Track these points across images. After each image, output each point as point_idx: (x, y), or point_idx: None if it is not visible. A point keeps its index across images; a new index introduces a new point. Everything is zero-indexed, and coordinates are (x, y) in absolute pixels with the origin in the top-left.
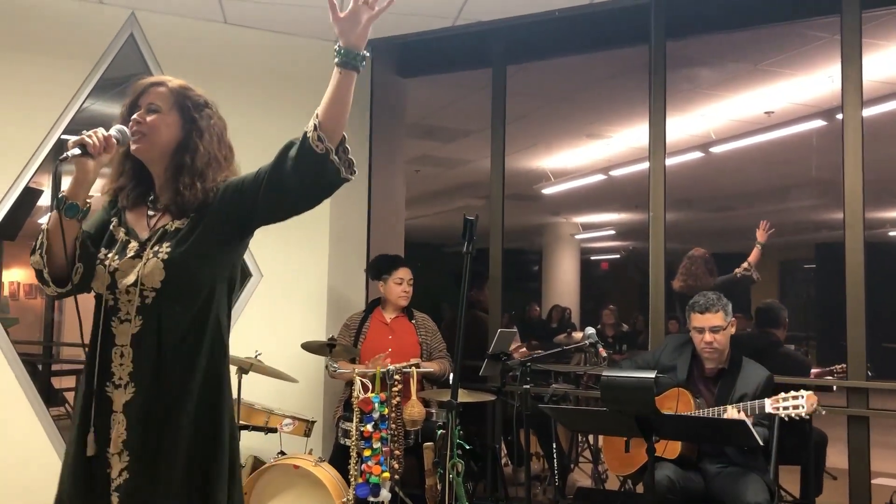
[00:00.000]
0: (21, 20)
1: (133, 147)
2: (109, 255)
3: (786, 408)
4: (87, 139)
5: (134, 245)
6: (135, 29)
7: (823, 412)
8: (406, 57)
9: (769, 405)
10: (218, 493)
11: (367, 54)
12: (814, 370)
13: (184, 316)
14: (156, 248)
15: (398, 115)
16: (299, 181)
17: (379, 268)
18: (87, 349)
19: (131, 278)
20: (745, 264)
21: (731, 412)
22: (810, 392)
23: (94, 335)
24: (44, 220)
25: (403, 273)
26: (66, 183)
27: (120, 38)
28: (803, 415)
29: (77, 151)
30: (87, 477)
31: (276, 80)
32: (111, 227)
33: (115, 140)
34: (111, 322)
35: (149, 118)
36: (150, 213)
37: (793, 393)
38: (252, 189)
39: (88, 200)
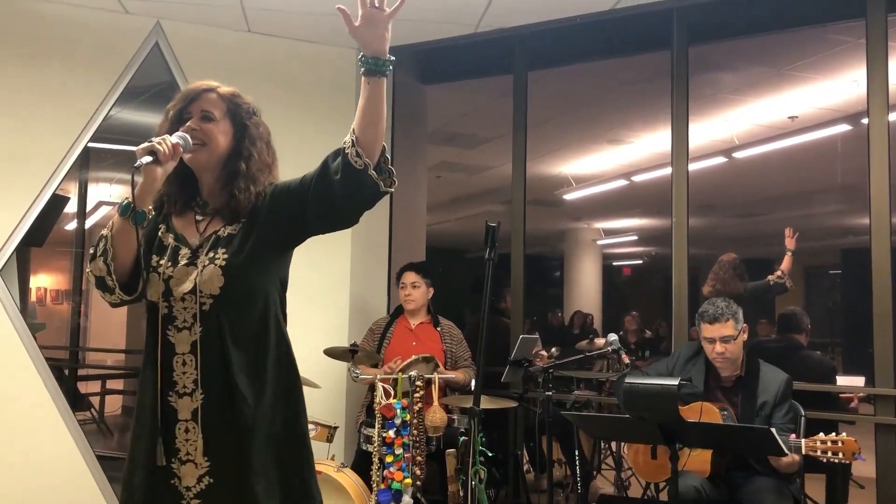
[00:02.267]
0: (48, 29)
1: (189, 156)
2: (162, 263)
3: (824, 451)
4: (158, 147)
5: (186, 252)
6: (160, 38)
7: (864, 459)
8: (428, 64)
9: (805, 446)
10: (313, 486)
11: (393, 58)
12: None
13: (244, 320)
14: (210, 254)
15: (420, 121)
16: (342, 194)
17: (396, 276)
18: (143, 361)
19: (188, 286)
20: (778, 272)
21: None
22: (850, 438)
23: (151, 345)
24: (92, 225)
25: (406, 277)
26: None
27: (145, 47)
28: (842, 461)
29: (149, 159)
30: (157, 488)
31: (299, 87)
32: (159, 232)
33: (181, 148)
34: (167, 331)
35: (205, 126)
36: (199, 218)
37: (832, 436)
38: (299, 196)
39: (151, 208)
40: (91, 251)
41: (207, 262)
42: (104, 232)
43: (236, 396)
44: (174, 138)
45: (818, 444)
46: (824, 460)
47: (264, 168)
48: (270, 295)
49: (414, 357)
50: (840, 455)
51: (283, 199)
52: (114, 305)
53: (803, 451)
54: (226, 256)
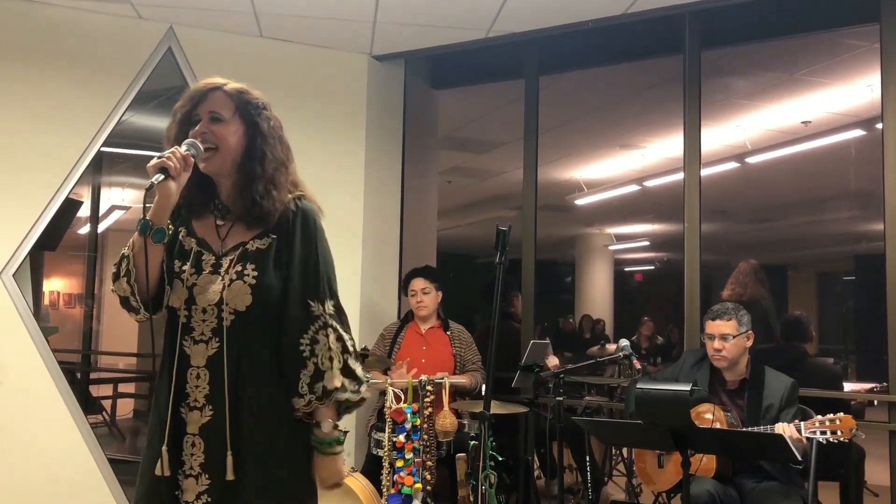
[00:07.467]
0: (61, 35)
1: (203, 164)
2: (186, 269)
3: (823, 432)
4: (168, 163)
5: (209, 258)
6: (172, 43)
7: (863, 435)
8: (439, 69)
9: (804, 429)
10: None
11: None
12: (852, 385)
13: (262, 336)
14: (238, 267)
15: (431, 126)
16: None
17: (403, 284)
18: (159, 367)
19: (213, 297)
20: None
21: (780, 429)
22: (847, 415)
23: (168, 353)
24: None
25: (415, 284)
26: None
27: (158, 52)
28: (841, 439)
29: (161, 177)
30: (160, 498)
31: (311, 93)
32: (180, 236)
33: (192, 157)
34: (184, 341)
35: (215, 129)
36: (219, 222)
37: (829, 416)
38: (284, 300)
39: (169, 223)
40: (113, 270)
41: (235, 276)
42: (125, 251)
43: (242, 417)
44: (183, 148)
45: (816, 423)
46: (824, 441)
47: (280, 167)
48: None
49: (426, 377)
50: (839, 433)
51: (289, 271)
52: (140, 321)
53: (803, 433)
54: (256, 274)
